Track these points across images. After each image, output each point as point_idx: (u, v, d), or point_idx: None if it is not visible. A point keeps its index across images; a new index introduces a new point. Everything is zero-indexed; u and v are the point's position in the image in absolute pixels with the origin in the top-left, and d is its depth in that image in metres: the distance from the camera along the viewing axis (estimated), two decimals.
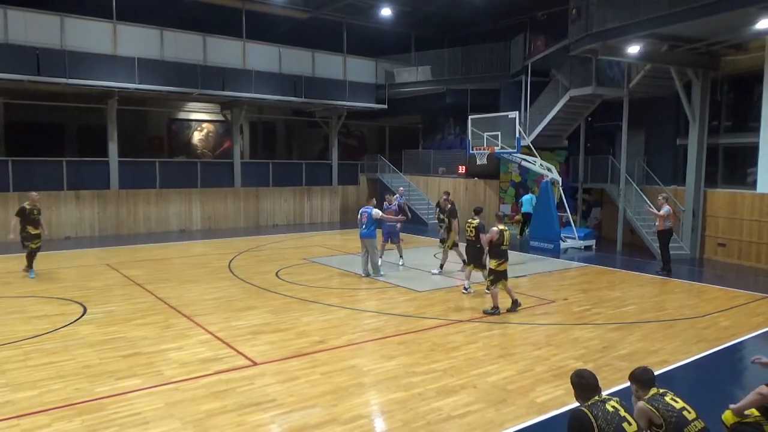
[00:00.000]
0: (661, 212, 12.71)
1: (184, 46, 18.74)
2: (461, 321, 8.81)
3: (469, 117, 17.51)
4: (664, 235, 13.03)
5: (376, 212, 11.94)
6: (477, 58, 21.89)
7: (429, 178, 24.20)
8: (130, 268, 12.73)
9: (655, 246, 15.28)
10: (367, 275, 11.97)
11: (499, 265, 9.20)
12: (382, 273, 12.10)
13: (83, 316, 8.81)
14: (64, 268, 12.80)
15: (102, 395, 5.83)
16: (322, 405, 5.68)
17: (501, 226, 9.23)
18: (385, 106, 23.21)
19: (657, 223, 13.03)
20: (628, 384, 4.48)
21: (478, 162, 17.18)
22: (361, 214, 12.02)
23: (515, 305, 9.36)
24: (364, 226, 11.83)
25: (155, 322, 8.58)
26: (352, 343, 7.68)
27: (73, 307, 9.37)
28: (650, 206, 14.11)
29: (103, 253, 15.19)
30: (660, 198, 13.02)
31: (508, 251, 9.45)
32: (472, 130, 17.02)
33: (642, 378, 4.34)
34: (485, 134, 16.58)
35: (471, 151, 17.30)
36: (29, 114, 19.96)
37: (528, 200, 18.37)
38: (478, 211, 10.82)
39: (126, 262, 13.54)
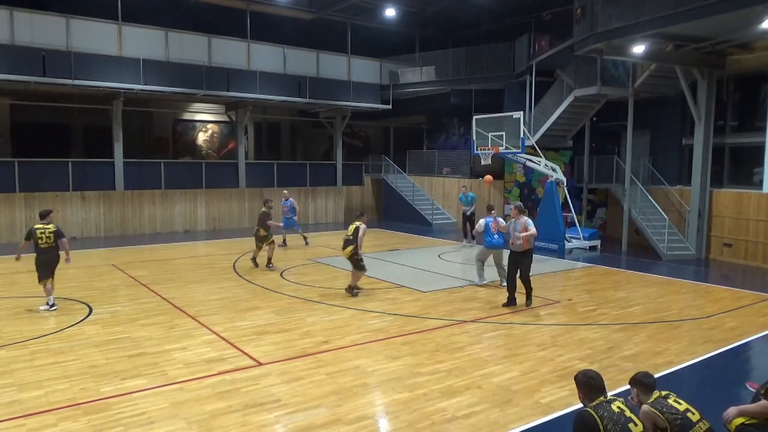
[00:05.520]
0: (530, 229, 9.49)
1: (189, 47, 18.79)
2: (466, 321, 8.79)
3: (474, 117, 17.50)
4: (530, 256, 9.72)
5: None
6: (481, 59, 21.86)
7: (433, 178, 24.19)
8: (136, 269, 12.78)
9: (662, 247, 15.27)
10: (484, 281, 11.36)
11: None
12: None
13: (89, 316, 8.85)
14: (70, 269, 12.82)
15: (107, 395, 5.85)
16: (327, 405, 5.68)
17: None
18: (390, 107, 23.20)
19: (521, 241, 9.41)
20: None
21: (483, 162, 17.16)
22: (487, 225, 10.88)
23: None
24: (497, 236, 10.78)
25: (160, 322, 8.60)
26: (356, 343, 7.68)
27: (78, 307, 9.41)
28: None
29: (108, 253, 15.25)
30: (514, 208, 9.89)
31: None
32: (476, 131, 17.01)
33: (645, 382, 4.33)
34: (490, 134, 16.56)
35: (475, 152, 17.29)
36: (35, 115, 20.05)
37: (468, 200, 17.33)
38: (44, 215, 9.39)
39: (131, 263, 13.59)
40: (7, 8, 15.88)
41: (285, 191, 17.51)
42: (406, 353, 7.27)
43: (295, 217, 16.72)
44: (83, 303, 9.63)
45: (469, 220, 17.19)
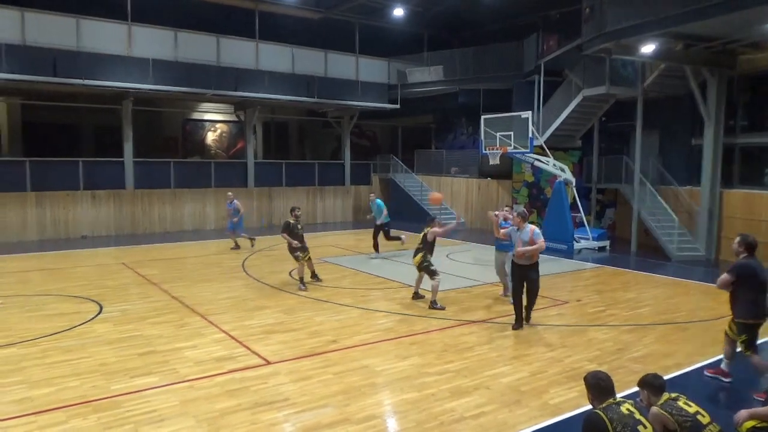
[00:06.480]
0: (538, 242, 8.28)
1: (197, 46, 18.87)
2: (474, 321, 8.78)
3: (482, 117, 17.47)
4: (538, 268, 8.56)
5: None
6: (489, 58, 21.82)
7: (441, 178, 24.16)
8: (146, 267, 12.86)
9: (671, 247, 15.16)
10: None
11: None
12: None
13: (99, 315, 8.92)
14: (81, 267, 12.95)
15: (118, 393, 5.90)
16: (335, 404, 5.70)
17: None
18: (398, 106, 23.21)
19: (526, 249, 8.23)
20: None
21: (491, 162, 17.14)
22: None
23: None
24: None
25: (170, 320, 8.66)
26: (364, 343, 7.69)
27: (89, 305, 9.48)
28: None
29: (118, 252, 15.36)
30: (517, 215, 8.69)
31: None
32: (484, 130, 16.98)
33: (655, 383, 4.30)
34: (498, 134, 16.53)
35: (484, 151, 17.26)
36: (46, 115, 20.24)
37: (378, 207, 14.96)
38: None
39: (141, 261, 13.68)
40: (17, 9, 16.00)
41: (229, 193, 16.59)
42: (415, 353, 7.27)
43: (235, 220, 15.59)
44: (94, 301, 9.70)
45: (381, 230, 14.89)
